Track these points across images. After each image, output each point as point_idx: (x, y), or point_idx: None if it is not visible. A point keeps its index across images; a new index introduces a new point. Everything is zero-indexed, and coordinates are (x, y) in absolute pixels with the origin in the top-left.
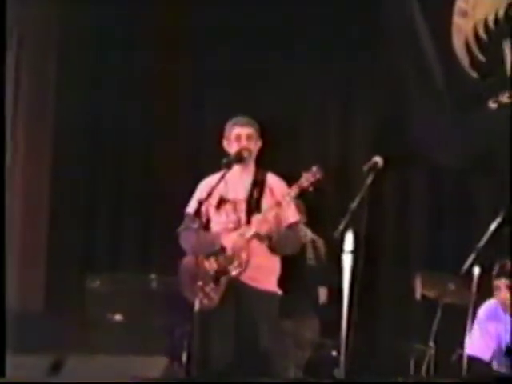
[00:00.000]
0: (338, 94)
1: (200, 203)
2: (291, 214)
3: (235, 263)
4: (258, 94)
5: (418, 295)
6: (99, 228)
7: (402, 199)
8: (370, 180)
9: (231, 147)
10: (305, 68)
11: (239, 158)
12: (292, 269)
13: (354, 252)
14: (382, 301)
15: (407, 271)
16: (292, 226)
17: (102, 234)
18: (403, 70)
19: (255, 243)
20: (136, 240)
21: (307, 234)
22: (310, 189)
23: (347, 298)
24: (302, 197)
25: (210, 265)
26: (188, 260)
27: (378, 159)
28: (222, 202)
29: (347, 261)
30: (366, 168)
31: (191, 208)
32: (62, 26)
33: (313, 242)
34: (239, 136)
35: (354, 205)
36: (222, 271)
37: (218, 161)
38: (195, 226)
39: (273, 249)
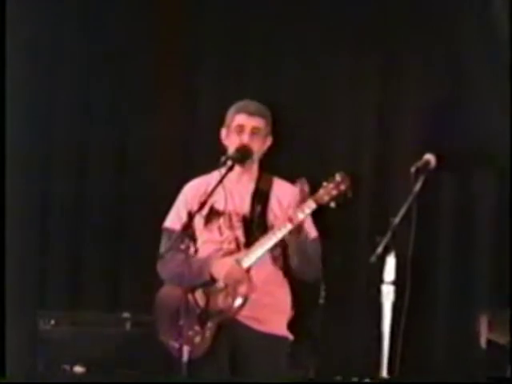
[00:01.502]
0: (373, 73)
1: (190, 216)
2: (311, 228)
3: (230, 299)
4: (270, 75)
5: (482, 342)
6: (54, 253)
7: (462, 211)
8: (419, 185)
9: (230, 140)
10: (332, 42)
11: (243, 157)
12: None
13: (397, 283)
14: (433, 348)
15: (468, 309)
16: (315, 242)
17: (58, 261)
18: (462, 37)
19: (258, 271)
20: (102, 267)
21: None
22: (332, 204)
23: (387, 344)
24: None
25: (197, 300)
26: (166, 292)
27: (429, 157)
28: (212, 214)
29: (388, 294)
30: (413, 169)
31: (172, 221)
32: None
33: None
34: (242, 127)
35: (397, 219)
36: (213, 309)
37: (213, 157)
38: (183, 246)
39: (294, 273)
